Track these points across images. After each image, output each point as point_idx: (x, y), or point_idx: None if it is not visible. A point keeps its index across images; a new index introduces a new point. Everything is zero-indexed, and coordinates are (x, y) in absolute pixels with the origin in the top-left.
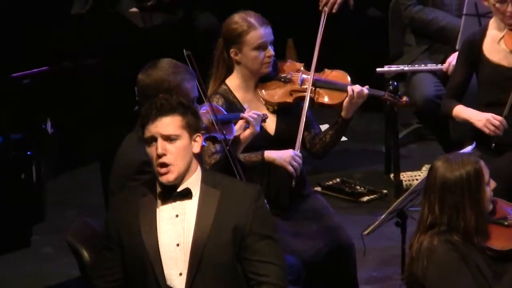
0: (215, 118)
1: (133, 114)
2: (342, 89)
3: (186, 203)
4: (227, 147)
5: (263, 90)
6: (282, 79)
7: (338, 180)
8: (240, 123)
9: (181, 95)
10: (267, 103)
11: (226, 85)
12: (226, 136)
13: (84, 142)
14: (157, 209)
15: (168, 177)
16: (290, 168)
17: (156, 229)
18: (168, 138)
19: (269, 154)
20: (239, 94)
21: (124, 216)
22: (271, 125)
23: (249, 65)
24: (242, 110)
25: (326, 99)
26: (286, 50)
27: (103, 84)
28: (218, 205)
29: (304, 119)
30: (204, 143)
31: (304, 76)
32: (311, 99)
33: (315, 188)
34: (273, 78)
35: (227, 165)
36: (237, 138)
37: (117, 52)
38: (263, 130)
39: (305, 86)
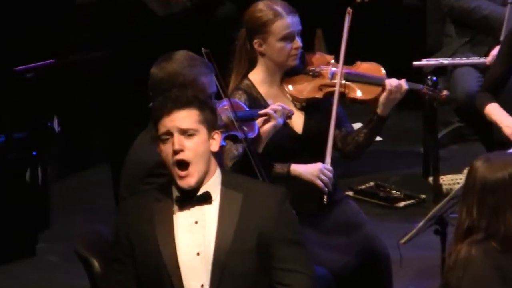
0: (234, 115)
1: (146, 111)
2: (376, 82)
3: (205, 208)
4: (249, 146)
5: (289, 85)
6: (311, 73)
7: (372, 184)
8: (261, 118)
9: (197, 90)
10: (294, 99)
11: (248, 79)
12: (248, 134)
13: (93, 141)
14: (174, 216)
15: (189, 181)
16: (319, 182)
17: (173, 237)
18: (186, 133)
19: (296, 167)
20: (263, 89)
21: (137, 224)
22: (298, 123)
23: (274, 57)
24: (266, 106)
25: (358, 94)
26: (314, 41)
27: (113, 79)
28: (240, 209)
29: (334, 119)
30: (223, 143)
31: (335, 69)
32: (342, 94)
33: (347, 193)
34: (301, 71)
35: (247, 165)
36: (257, 135)
37: (129, 43)
38: (289, 128)
39: (335, 80)
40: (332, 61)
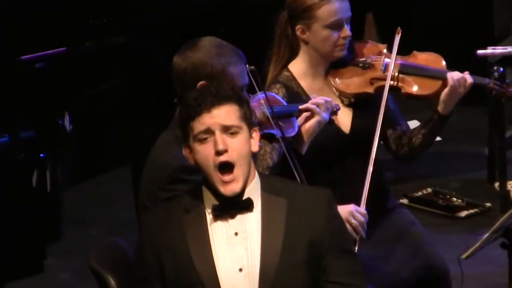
0: (270, 110)
1: (170, 108)
2: (436, 76)
3: (246, 217)
4: (287, 146)
5: (336, 78)
6: (360, 64)
7: (429, 190)
8: (303, 114)
9: (226, 82)
10: (342, 94)
11: (288, 71)
12: (286, 132)
13: (111, 142)
14: (209, 227)
15: (234, 187)
16: (348, 227)
17: (211, 252)
18: (228, 130)
19: None
20: (305, 82)
21: (165, 240)
22: (345, 121)
23: (319, 46)
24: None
25: (415, 89)
26: (364, 28)
27: (133, 70)
28: (286, 217)
29: (381, 118)
30: (259, 143)
31: (388, 60)
32: (396, 89)
33: (401, 201)
34: (349, 63)
35: (284, 168)
36: (298, 133)
37: (152, 29)
38: (335, 126)
39: (389, 73)
40: (385, 50)
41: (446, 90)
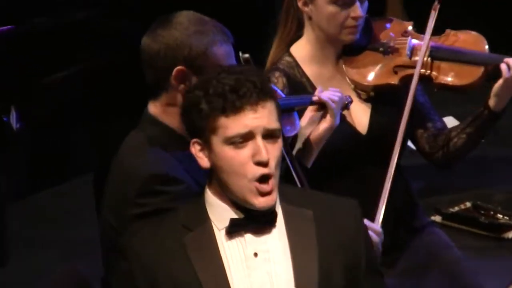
0: None
1: (141, 102)
2: (476, 61)
3: (266, 233)
4: (286, 149)
5: (350, 67)
6: (381, 49)
7: (468, 204)
8: (310, 112)
9: (209, 65)
10: (358, 87)
11: (290, 55)
12: (284, 132)
13: (69, 145)
14: (220, 248)
15: (269, 200)
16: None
17: (226, 279)
18: (270, 136)
19: None
20: (310, 69)
21: (163, 268)
22: (361, 119)
23: (323, 25)
24: (313, 93)
25: (450, 78)
26: (386, 2)
27: (98, 53)
28: (316, 232)
29: (407, 116)
30: None
31: (416, 42)
32: (428, 79)
33: (433, 218)
34: (366, 47)
35: (284, 177)
36: (307, 141)
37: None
38: (348, 126)
39: (417, 58)
40: (410, 28)
41: (500, 81)
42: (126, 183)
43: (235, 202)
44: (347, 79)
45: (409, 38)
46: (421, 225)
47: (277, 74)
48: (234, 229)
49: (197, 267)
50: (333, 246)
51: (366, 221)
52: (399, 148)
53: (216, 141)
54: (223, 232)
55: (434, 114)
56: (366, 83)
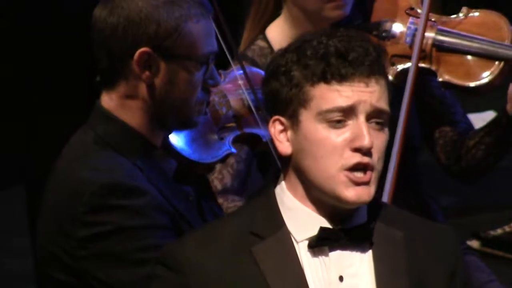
0: (253, 97)
1: (88, 94)
2: (493, 53)
3: (352, 254)
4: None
5: None
6: (375, 32)
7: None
8: None
9: (183, 46)
10: None
11: (265, 38)
12: None
13: None
14: (302, 264)
15: (364, 193)
16: None
17: None
18: (377, 118)
19: None
20: None
21: (228, 281)
22: None
23: (299, 0)
24: None
25: (458, 74)
26: None
27: (26, 32)
28: (406, 259)
29: (405, 117)
30: (232, 148)
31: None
32: (431, 73)
33: (469, 243)
34: (358, 27)
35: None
36: None
37: None
38: None
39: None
40: (415, 6)
41: None
42: (70, 197)
43: (322, 205)
44: None
45: (410, 19)
46: None
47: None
48: (320, 242)
49: (273, 285)
50: (424, 277)
51: None
52: (397, 153)
53: (307, 116)
54: (303, 244)
55: (458, 113)
56: None
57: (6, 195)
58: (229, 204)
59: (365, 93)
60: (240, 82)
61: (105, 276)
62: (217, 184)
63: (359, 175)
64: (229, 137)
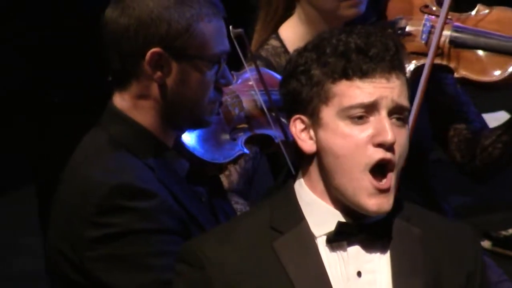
0: (265, 98)
1: (103, 91)
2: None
3: (371, 249)
4: (291, 156)
5: None
6: (390, 30)
7: None
8: None
9: (194, 46)
10: None
11: (278, 38)
12: (289, 135)
13: (3, 150)
14: (324, 261)
15: (384, 203)
16: None
17: None
18: (399, 115)
19: None
20: None
21: (252, 278)
22: None
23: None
24: None
25: (476, 71)
26: None
27: (39, 31)
28: (423, 256)
29: (416, 113)
30: (245, 149)
31: (434, 22)
32: (447, 70)
33: (481, 243)
34: (373, 25)
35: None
36: None
37: None
38: None
39: (434, 43)
40: (430, 3)
41: None
42: (82, 198)
43: (340, 202)
44: None
45: (425, 17)
46: None
47: (258, 63)
48: (339, 237)
49: (296, 281)
50: (441, 277)
51: None
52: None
53: (328, 114)
54: (321, 240)
55: (471, 111)
56: None
57: (18, 195)
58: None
59: (386, 89)
60: (253, 83)
61: (109, 280)
62: (223, 181)
63: (379, 182)
64: (242, 138)
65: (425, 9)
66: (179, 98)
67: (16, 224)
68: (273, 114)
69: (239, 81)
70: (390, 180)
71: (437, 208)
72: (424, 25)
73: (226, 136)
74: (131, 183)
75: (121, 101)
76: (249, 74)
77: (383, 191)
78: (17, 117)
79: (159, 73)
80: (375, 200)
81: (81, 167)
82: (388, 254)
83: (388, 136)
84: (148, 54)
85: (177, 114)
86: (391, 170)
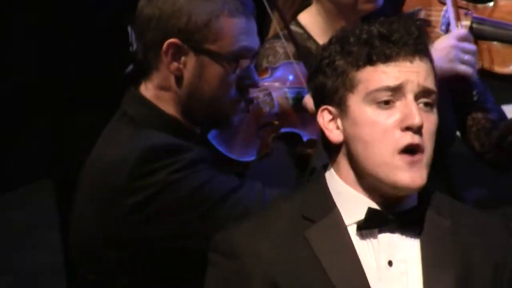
0: (295, 93)
1: (123, 81)
2: None
3: (402, 239)
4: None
5: None
6: None
7: None
8: None
9: (213, 40)
10: None
11: (299, 25)
12: (313, 133)
13: (19, 144)
14: (357, 248)
15: (418, 177)
16: (463, 68)
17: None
18: (426, 98)
19: None
20: (323, 39)
21: (286, 267)
22: None
23: None
24: None
25: (496, 62)
26: None
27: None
28: (451, 249)
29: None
30: (271, 148)
31: (454, 14)
32: None
33: None
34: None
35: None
36: None
37: None
38: None
39: None
40: None
41: None
42: (109, 172)
43: (372, 189)
44: None
45: (445, 8)
46: None
47: (278, 44)
48: (369, 224)
49: (330, 271)
50: (471, 269)
51: (452, 36)
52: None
53: (355, 100)
54: (352, 228)
55: (489, 101)
56: None
57: (35, 189)
58: None
59: (411, 73)
60: (286, 79)
61: (171, 230)
62: None
63: (411, 157)
64: (269, 136)
65: (441, 2)
66: (195, 91)
67: (34, 219)
68: (303, 113)
69: (273, 77)
70: (421, 156)
71: (459, 201)
72: (443, 16)
73: (254, 134)
74: (161, 142)
75: (145, 90)
76: (282, 70)
77: (414, 164)
78: (34, 110)
79: (175, 64)
80: (408, 174)
81: (104, 154)
82: (418, 245)
83: (416, 119)
84: (165, 44)
85: (195, 108)
86: (421, 152)
